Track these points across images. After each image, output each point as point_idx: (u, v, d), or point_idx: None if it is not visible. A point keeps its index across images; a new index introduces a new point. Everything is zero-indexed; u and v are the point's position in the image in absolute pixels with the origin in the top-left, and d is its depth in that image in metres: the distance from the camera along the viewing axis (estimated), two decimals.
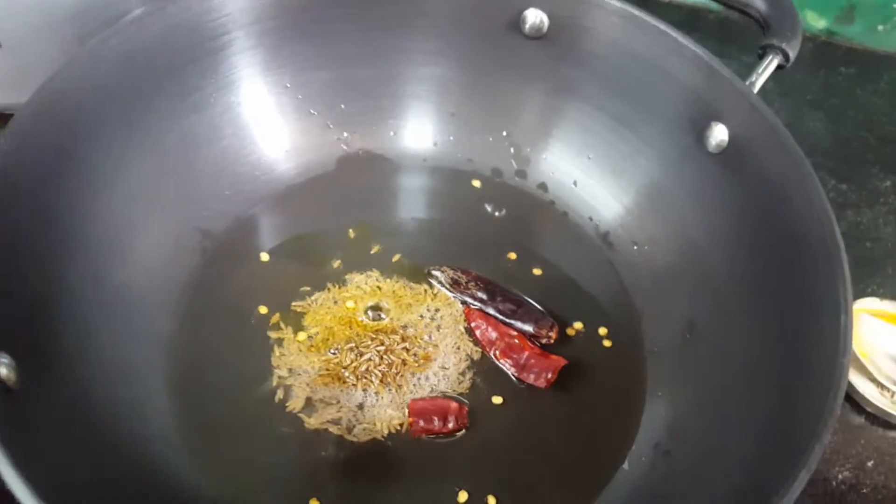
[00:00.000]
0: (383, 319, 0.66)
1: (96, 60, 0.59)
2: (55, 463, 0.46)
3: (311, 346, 0.64)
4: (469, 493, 0.57)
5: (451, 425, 0.60)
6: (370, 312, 0.66)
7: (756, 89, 0.60)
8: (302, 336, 0.64)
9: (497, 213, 0.74)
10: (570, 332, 0.67)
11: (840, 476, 0.64)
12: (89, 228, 0.60)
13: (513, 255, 0.71)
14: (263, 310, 0.65)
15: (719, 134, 0.62)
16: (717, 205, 0.63)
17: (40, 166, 0.55)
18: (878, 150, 0.89)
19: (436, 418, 0.60)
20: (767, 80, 0.62)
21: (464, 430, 0.60)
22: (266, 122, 0.72)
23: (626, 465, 0.59)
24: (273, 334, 0.64)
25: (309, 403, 0.61)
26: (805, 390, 0.48)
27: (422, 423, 0.59)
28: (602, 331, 0.67)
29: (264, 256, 0.69)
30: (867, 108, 0.93)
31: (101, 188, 0.61)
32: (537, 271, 0.70)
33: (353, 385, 0.62)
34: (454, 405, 0.61)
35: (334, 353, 0.63)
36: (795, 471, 0.41)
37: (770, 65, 0.61)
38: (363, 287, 0.68)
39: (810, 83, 0.95)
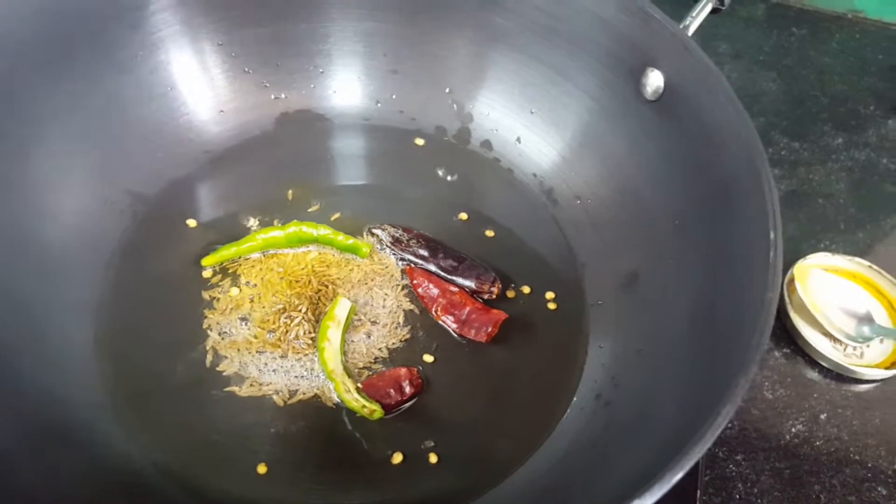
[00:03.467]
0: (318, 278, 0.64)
1: (3, 18, 0.57)
2: None
3: (243, 306, 0.62)
4: (405, 455, 0.56)
5: (407, 390, 0.58)
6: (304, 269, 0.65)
7: (690, 32, 0.59)
8: (234, 292, 0.63)
9: (441, 172, 0.73)
10: (510, 294, 0.66)
11: (793, 429, 0.64)
12: (10, 188, 0.58)
13: (464, 216, 0.70)
14: (197, 272, 0.64)
15: (655, 80, 0.61)
16: (655, 153, 0.62)
17: None
18: (831, 108, 0.89)
19: (391, 390, 0.58)
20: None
21: (422, 392, 0.59)
22: (198, 82, 0.70)
23: (567, 417, 0.58)
24: (206, 294, 0.63)
25: (242, 369, 0.59)
26: (735, 333, 0.47)
27: (379, 399, 0.58)
28: (549, 294, 0.66)
29: (196, 220, 0.67)
30: (819, 68, 0.93)
31: (18, 148, 0.58)
32: (490, 233, 0.69)
33: (286, 351, 0.60)
34: (403, 371, 0.59)
35: (267, 318, 0.62)
36: (720, 404, 0.40)
37: (705, 8, 0.60)
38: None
39: (763, 44, 0.95)
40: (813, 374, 0.67)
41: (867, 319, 0.69)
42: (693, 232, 0.58)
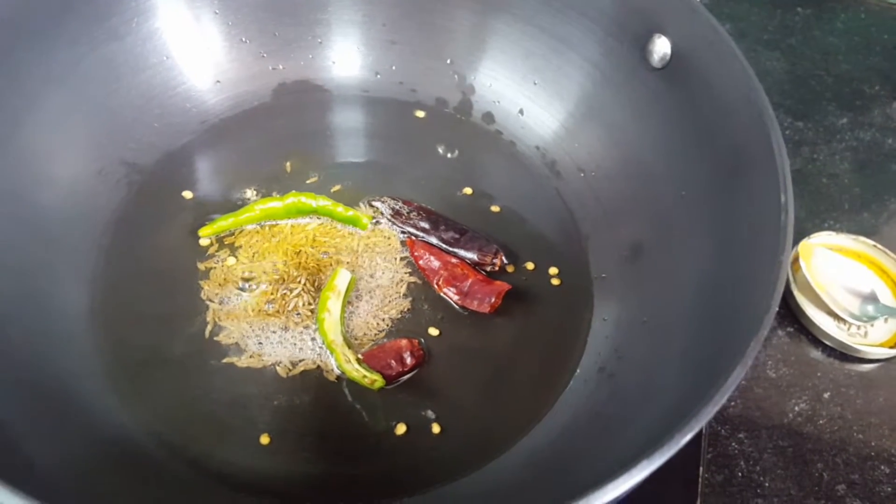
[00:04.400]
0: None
1: None
2: None
3: (241, 277, 0.61)
4: (409, 425, 0.55)
5: (409, 361, 0.57)
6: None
7: None
8: (231, 261, 0.62)
9: (442, 145, 0.72)
10: (510, 269, 0.65)
11: (797, 408, 0.63)
12: (4, 155, 0.57)
13: (469, 191, 0.69)
14: (194, 243, 0.63)
15: (662, 47, 0.60)
16: (663, 122, 0.61)
17: None
18: (835, 88, 0.88)
19: (392, 361, 0.57)
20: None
21: (423, 363, 0.58)
22: (194, 51, 0.69)
23: (570, 389, 0.57)
24: (203, 265, 0.62)
25: (241, 340, 0.58)
26: (745, 298, 0.46)
27: (381, 371, 0.57)
28: (552, 270, 0.65)
29: (193, 191, 0.66)
30: (824, 48, 0.92)
31: (12, 116, 0.57)
32: (495, 208, 0.68)
33: (285, 322, 0.59)
34: (404, 342, 0.58)
35: (266, 289, 0.61)
36: (731, 365, 0.39)
37: None
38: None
39: (767, 23, 0.94)
40: (816, 353, 0.67)
41: (871, 298, 0.68)
42: (700, 201, 0.57)
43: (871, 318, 0.67)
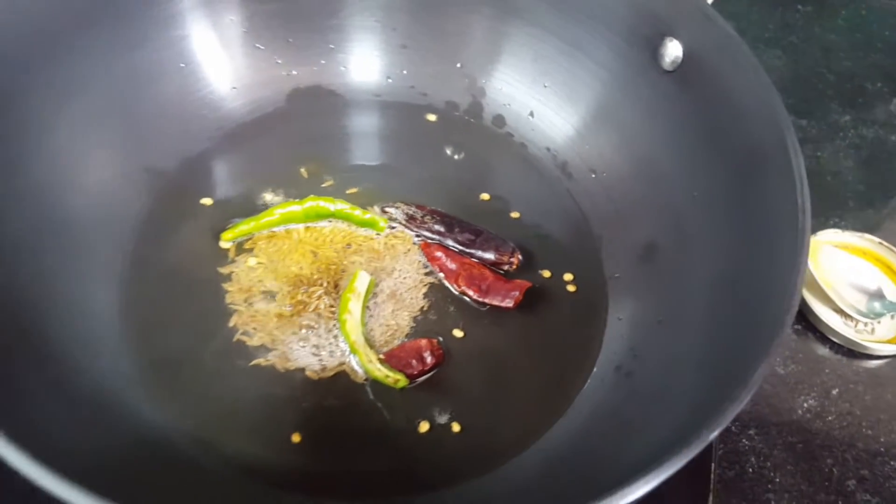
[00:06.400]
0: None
1: None
2: (9, 395, 0.44)
3: (263, 280, 0.62)
4: (430, 423, 0.56)
5: (429, 360, 0.58)
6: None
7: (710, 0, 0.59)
8: (252, 262, 0.63)
9: (453, 148, 0.72)
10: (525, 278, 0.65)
11: (805, 405, 0.64)
12: (31, 161, 0.57)
13: (486, 196, 0.69)
14: (215, 247, 0.63)
15: (674, 50, 0.60)
16: (674, 124, 0.62)
17: None
18: (837, 86, 0.89)
19: (413, 360, 0.58)
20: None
21: (443, 362, 0.59)
22: (211, 58, 0.70)
23: (587, 388, 0.58)
24: (226, 269, 0.62)
25: (265, 342, 0.59)
26: (764, 297, 0.47)
27: (401, 370, 0.58)
28: (567, 276, 0.65)
29: (212, 196, 0.67)
30: (825, 45, 0.93)
31: (41, 122, 0.58)
32: (515, 214, 0.68)
33: (309, 323, 0.60)
34: (424, 342, 0.59)
35: (287, 291, 0.61)
36: (755, 364, 0.40)
37: None
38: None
39: (768, 21, 0.95)
40: (824, 350, 0.68)
41: (878, 295, 0.69)
42: (714, 201, 0.58)
43: (878, 315, 0.68)
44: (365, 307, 0.61)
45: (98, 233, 0.61)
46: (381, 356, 0.58)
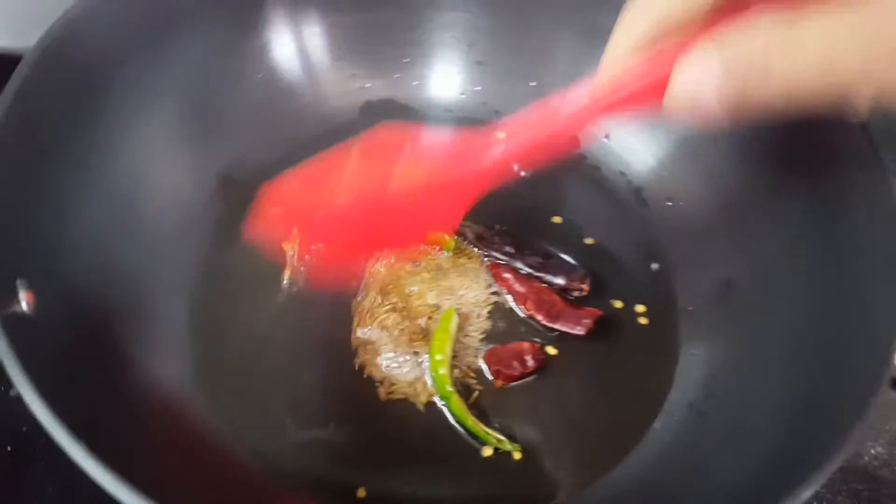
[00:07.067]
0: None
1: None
2: (72, 392, 0.44)
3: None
4: (494, 450, 0.56)
5: (530, 364, 0.58)
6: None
7: None
8: None
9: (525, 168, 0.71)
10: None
11: (873, 451, 0.62)
12: (112, 158, 0.58)
13: (557, 220, 0.68)
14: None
15: None
16: (758, 154, 0.60)
17: (59, 100, 0.54)
18: None
19: (514, 362, 0.58)
20: None
21: (542, 367, 0.59)
22: (290, 69, 0.70)
23: (657, 425, 0.56)
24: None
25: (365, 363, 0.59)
26: (850, 362, 0.45)
27: (502, 369, 0.58)
28: (639, 308, 0.63)
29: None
30: None
31: (120, 127, 0.59)
32: (590, 241, 0.67)
33: (403, 346, 0.60)
34: (526, 344, 0.59)
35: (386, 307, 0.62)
36: (834, 448, 0.38)
37: None
38: None
39: None
40: (894, 396, 0.65)
41: None
42: (800, 241, 0.55)
43: None
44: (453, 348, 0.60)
45: (170, 240, 0.61)
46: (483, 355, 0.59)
